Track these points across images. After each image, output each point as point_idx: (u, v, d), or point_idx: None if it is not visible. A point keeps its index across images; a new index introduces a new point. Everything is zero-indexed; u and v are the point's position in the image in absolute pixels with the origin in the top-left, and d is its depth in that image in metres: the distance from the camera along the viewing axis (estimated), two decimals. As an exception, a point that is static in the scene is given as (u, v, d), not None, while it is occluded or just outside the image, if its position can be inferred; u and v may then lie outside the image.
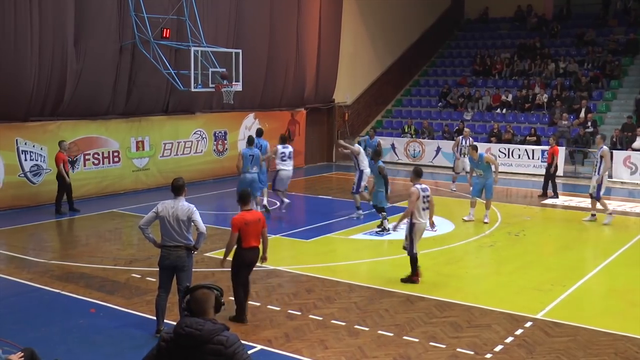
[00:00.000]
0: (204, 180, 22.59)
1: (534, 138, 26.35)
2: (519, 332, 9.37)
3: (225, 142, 24.15)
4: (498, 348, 8.77)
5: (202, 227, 8.82)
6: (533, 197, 20.98)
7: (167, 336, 4.56)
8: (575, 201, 20.14)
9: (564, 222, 17.75)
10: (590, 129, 26.07)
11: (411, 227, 11.41)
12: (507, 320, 9.83)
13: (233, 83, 20.08)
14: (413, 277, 11.46)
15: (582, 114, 26.78)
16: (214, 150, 23.67)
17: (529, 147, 25.84)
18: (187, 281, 8.76)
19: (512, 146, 26.24)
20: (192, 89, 19.34)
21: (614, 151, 24.35)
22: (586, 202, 19.77)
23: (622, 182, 23.57)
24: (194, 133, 22.89)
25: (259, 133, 17.91)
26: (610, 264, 13.11)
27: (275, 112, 26.28)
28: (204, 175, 22.83)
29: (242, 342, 8.05)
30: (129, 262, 12.76)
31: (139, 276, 11.80)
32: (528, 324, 9.67)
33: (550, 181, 20.56)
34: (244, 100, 23.57)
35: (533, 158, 25.53)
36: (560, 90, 28.66)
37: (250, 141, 16.71)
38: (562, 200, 20.34)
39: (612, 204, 19.18)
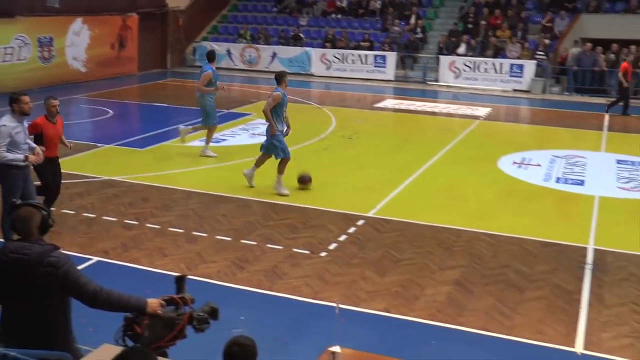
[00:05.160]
0: (29, 89, 21.23)
1: (368, 44, 26.94)
2: (352, 230, 9.84)
3: (52, 49, 22.73)
4: (333, 246, 9.19)
5: None
6: (366, 101, 21.65)
7: None
8: (405, 104, 21.02)
9: (394, 125, 18.57)
10: (420, 35, 27.02)
11: None
12: (341, 219, 10.28)
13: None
14: None
15: (413, 21, 27.64)
16: (40, 57, 22.23)
17: (363, 53, 26.43)
18: (10, 197, 8.36)
19: (346, 52, 26.73)
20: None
21: (440, 56, 25.55)
22: (415, 106, 20.75)
23: (447, 86, 24.81)
24: (16, 39, 21.32)
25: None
26: (435, 163, 13.94)
27: (106, 17, 24.96)
28: (30, 84, 21.40)
29: (77, 255, 7.91)
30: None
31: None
32: (360, 222, 10.17)
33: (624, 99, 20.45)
34: (70, 3, 22.15)
35: (366, 63, 26.18)
36: (392, -3, 29.28)
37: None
38: (393, 103, 21.16)
39: (439, 106, 20.25)
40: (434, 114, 19.56)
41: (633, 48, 23.37)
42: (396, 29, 27.21)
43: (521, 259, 8.92)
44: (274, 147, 11.28)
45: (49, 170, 9.34)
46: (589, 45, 23.86)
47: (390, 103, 21.08)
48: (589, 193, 12.07)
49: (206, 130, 13.81)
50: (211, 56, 13.91)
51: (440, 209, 10.96)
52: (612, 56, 23.77)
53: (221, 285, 7.92)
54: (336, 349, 4.57)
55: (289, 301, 7.58)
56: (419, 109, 20.25)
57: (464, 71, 25.04)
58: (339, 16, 29.63)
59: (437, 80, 25.20)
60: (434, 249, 9.19)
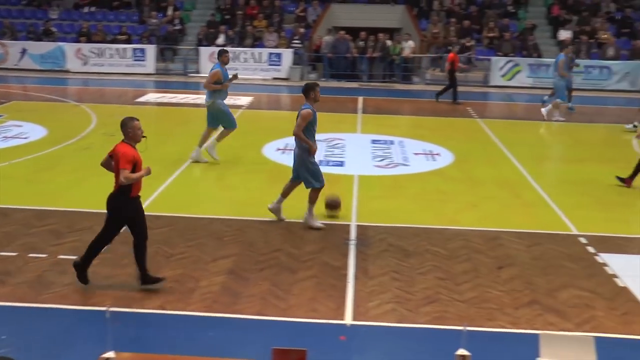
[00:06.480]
0: None
1: (125, 37, 26.22)
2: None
3: None
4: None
5: None
6: (127, 96, 21.08)
7: None
8: (167, 97, 20.77)
9: (158, 119, 18.27)
10: (179, 27, 26.82)
11: None
12: (104, 219, 9.90)
13: None
14: None
15: (170, 12, 27.33)
16: None
17: (120, 46, 25.69)
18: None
19: (103, 46, 25.79)
20: None
21: (200, 47, 25.57)
22: (177, 98, 20.62)
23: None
24: None
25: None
26: (201, 154, 13.91)
27: None
28: None
29: None
30: None
31: None
32: (129, 221, 9.88)
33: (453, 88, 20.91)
34: None
35: (125, 57, 25.49)
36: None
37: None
38: (155, 97, 20.82)
39: (202, 97, 20.18)
40: (196, 105, 19.49)
41: (380, 35, 25.06)
42: (153, 20, 26.77)
43: (291, 242, 9.25)
44: (305, 172, 9.96)
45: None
46: (342, 33, 25.23)
47: (152, 97, 20.72)
48: (348, 173, 12.81)
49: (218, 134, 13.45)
50: (221, 55, 13.42)
51: (210, 200, 11.03)
52: (361, 43, 25.32)
53: (-21, 303, 7.33)
54: (110, 354, 4.45)
55: (58, 311, 7.20)
56: (182, 101, 20.14)
57: (225, 61, 25.24)
58: (92, 8, 28.49)
59: (197, 72, 25.17)
60: (206, 240, 9.22)
